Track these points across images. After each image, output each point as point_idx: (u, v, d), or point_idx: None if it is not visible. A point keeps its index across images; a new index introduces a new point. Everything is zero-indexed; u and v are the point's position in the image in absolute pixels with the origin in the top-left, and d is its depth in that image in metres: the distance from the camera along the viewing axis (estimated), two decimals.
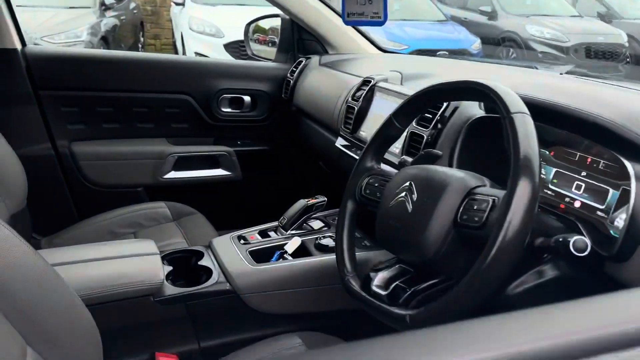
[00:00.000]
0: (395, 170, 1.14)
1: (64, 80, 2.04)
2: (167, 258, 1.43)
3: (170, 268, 1.37)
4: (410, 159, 1.24)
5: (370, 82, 1.66)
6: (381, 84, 1.63)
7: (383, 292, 0.97)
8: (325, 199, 1.56)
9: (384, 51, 2.33)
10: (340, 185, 2.01)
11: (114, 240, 1.86)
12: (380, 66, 1.93)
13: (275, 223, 1.58)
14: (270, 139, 2.39)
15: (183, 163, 2.22)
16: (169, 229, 1.93)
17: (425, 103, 1.13)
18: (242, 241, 1.49)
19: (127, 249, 1.37)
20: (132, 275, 1.25)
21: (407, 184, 1.00)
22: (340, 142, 1.73)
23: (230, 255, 1.41)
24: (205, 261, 1.42)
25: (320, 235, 1.49)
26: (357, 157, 1.61)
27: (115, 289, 1.21)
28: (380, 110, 1.60)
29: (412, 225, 0.95)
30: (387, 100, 1.57)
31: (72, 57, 2.07)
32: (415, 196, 0.97)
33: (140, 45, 7.94)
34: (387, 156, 1.39)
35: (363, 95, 1.65)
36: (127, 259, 1.31)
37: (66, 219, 2.00)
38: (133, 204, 1.99)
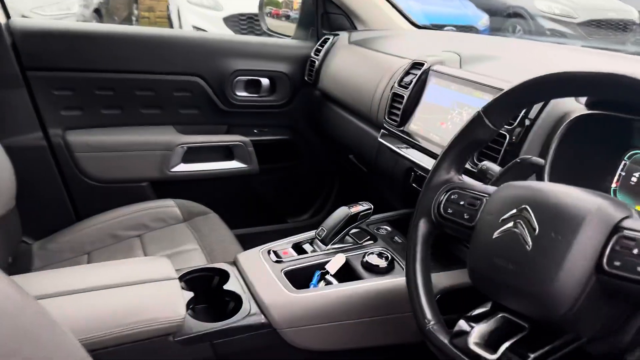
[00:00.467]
0: (487, 186, 0.89)
1: (56, 58, 1.75)
2: (184, 279, 1.19)
3: (191, 294, 1.12)
4: (496, 167, 0.99)
5: (421, 65, 1.40)
6: (436, 67, 1.36)
7: (491, 357, 0.72)
8: (371, 206, 1.30)
9: (419, 27, 2.06)
10: (379, 185, 1.78)
11: (116, 244, 1.62)
12: (425, 45, 1.66)
13: (311, 234, 1.33)
14: (291, 128, 2.13)
15: (193, 154, 1.96)
16: (179, 231, 1.69)
17: (533, 97, 0.87)
18: (273, 257, 1.24)
19: (137, 272, 1.11)
20: (146, 311, 1.00)
21: (519, 209, 0.75)
22: (382, 136, 1.46)
23: (263, 278, 1.16)
24: (232, 284, 1.17)
25: (368, 251, 1.24)
26: (404, 155, 1.35)
27: (126, 330, 0.96)
28: (435, 99, 1.34)
29: (533, 269, 0.70)
30: (446, 87, 1.31)
31: (65, 32, 1.78)
32: (536, 228, 0.72)
33: (134, 19, 7.56)
34: None
35: (414, 80, 1.38)
36: (138, 287, 1.06)
37: (61, 220, 1.75)
38: (137, 202, 1.74)
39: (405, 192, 1.48)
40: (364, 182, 1.95)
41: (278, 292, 1.11)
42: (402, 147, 1.40)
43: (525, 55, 1.43)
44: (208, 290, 1.21)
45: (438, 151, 1.24)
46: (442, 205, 0.91)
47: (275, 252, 1.26)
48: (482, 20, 7.10)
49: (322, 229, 1.29)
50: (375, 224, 1.39)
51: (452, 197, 0.90)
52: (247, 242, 1.63)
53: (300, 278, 1.19)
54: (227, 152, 2.02)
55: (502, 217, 0.77)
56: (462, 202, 0.88)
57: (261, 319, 1.08)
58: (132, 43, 1.85)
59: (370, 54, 1.74)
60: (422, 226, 0.93)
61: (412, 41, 1.77)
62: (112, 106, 1.87)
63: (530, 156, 0.91)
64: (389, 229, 1.37)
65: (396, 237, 1.34)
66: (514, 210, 0.76)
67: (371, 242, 1.30)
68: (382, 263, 1.19)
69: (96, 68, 1.80)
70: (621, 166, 1.00)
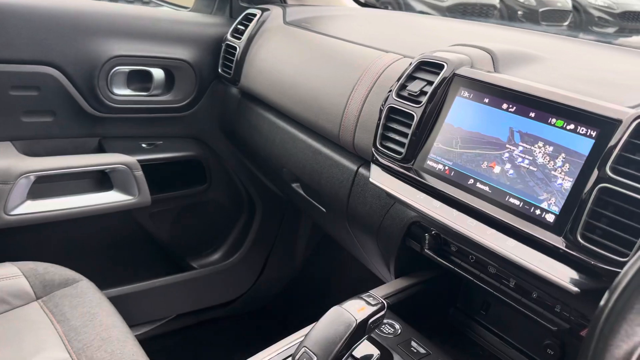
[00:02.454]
0: None
1: None
2: None
3: None
4: None
5: (439, 67, 0.89)
6: (466, 72, 0.87)
7: None
8: (384, 303, 0.79)
9: (364, 5, 1.57)
10: (347, 235, 1.19)
11: None
12: (411, 32, 1.16)
13: (280, 354, 0.78)
14: (196, 140, 1.52)
15: (47, 187, 1.27)
16: (30, 320, 1.07)
17: None
18: None
19: None
20: None
21: None
22: (375, 174, 0.94)
23: None
24: None
25: None
26: (417, 208, 0.85)
27: None
28: (471, 123, 0.84)
29: None
30: (485, 103, 0.82)
31: None
32: None
33: None
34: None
35: (430, 91, 0.87)
36: None
37: None
38: None
39: (404, 254, 0.99)
40: (317, 219, 1.41)
41: None
42: (406, 192, 0.89)
43: (568, 54, 1.01)
44: None
45: (492, 212, 0.75)
46: None
47: None
48: None
49: (305, 351, 0.74)
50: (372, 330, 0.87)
51: None
52: (135, 306, 1.19)
53: None
54: (101, 180, 1.36)
55: None
56: None
57: None
58: None
59: (327, 42, 1.19)
60: None
61: (384, 25, 1.26)
62: None
63: None
64: (396, 326, 0.87)
65: (413, 343, 0.84)
66: None
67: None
68: None
69: None
70: None
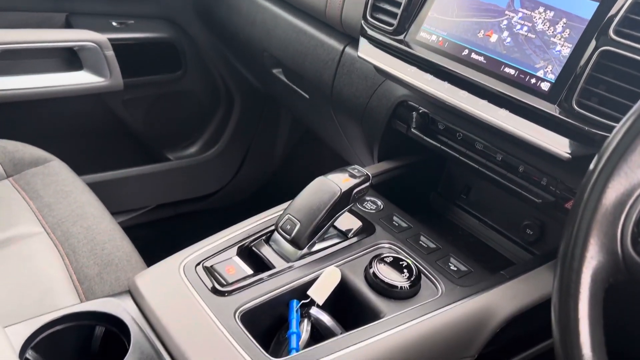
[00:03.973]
0: None
1: None
2: (32, 347, 0.58)
3: None
4: None
5: None
6: None
7: None
8: (368, 174, 0.77)
9: None
10: (330, 119, 1.18)
11: None
12: None
13: (263, 221, 0.77)
14: (170, 21, 1.42)
15: (11, 63, 1.19)
16: (1, 196, 1.01)
17: None
18: (208, 279, 0.67)
19: None
20: None
21: None
22: (364, 49, 0.89)
23: (201, 335, 0.59)
24: (137, 353, 0.58)
25: (371, 255, 0.73)
26: (408, 81, 0.82)
27: None
28: None
29: None
30: None
31: None
32: None
33: None
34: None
35: None
36: None
37: None
38: None
39: (387, 138, 0.97)
40: (298, 109, 1.37)
41: None
42: (396, 66, 0.85)
43: None
44: (86, 359, 0.61)
45: (486, 82, 0.73)
46: None
47: (212, 271, 0.68)
48: None
49: (289, 217, 0.73)
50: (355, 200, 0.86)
51: None
52: (110, 194, 1.16)
53: (264, 321, 0.65)
54: (70, 59, 1.28)
55: None
56: None
57: None
58: None
59: None
60: (589, 275, 0.44)
61: None
62: None
63: None
64: (378, 203, 0.87)
65: (395, 217, 0.84)
66: None
67: (365, 234, 0.79)
68: (403, 278, 0.70)
69: None
70: None
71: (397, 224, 0.83)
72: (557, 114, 0.66)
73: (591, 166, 0.45)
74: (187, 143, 1.61)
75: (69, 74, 1.27)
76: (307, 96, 1.16)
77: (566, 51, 0.68)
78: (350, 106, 1.03)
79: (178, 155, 1.60)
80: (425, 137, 0.89)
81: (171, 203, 1.61)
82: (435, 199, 1.00)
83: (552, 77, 0.68)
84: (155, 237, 1.60)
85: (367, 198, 0.87)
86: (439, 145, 0.87)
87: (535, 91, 0.69)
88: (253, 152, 1.70)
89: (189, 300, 0.63)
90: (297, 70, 1.13)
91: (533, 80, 0.70)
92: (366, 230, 0.79)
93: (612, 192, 0.43)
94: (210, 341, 0.59)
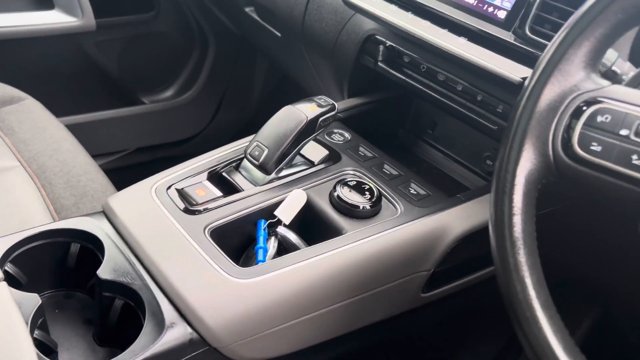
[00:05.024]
0: None
1: None
2: (10, 261, 0.61)
3: (35, 299, 0.56)
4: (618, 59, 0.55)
5: None
6: None
7: None
8: (334, 104, 0.80)
9: None
10: (302, 58, 1.17)
11: None
12: None
13: (234, 150, 0.80)
14: None
15: None
16: None
17: None
18: (180, 200, 0.70)
19: None
20: None
21: None
22: None
23: (174, 249, 0.63)
24: (112, 266, 0.62)
25: (336, 180, 0.77)
26: (372, 12, 0.84)
27: None
28: None
29: None
30: None
31: None
32: None
33: None
34: None
35: None
36: None
37: None
38: None
39: (356, 74, 0.99)
40: (271, 49, 1.38)
41: (210, 279, 0.61)
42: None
43: None
44: (62, 274, 0.65)
45: (447, 11, 0.75)
46: (575, 135, 0.46)
47: (183, 192, 0.71)
48: None
49: (257, 144, 0.76)
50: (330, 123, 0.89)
51: (599, 119, 0.46)
52: (87, 135, 1.18)
53: (234, 239, 0.69)
54: None
55: None
56: (623, 132, 0.45)
57: (186, 333, 0.58)
58: None
59: None
60: (523, 175, 0.48)
61: None
62: None
63: None
64: (346, 135, 0.90)
65: (362, 148, 0.88)
66: None
67: (331, 162, 0.82)
68: (364, 200, 0.74)
69: None
70: None
71: (362, 154, 0.86)
72: (512, 41, 0.69)
73: (528, 76, 0.49)
74: (163, 87, 1.61)
75: (40, 12, 1.26)
76: (278, 34, 1.17)
77: None
78: (321, 42, 1.05)
79: (153, 99, 1.60)
80: (391, 70, 0.91)
81: (148, 147, 1.62)
82: (403, 134, 1.04)
83: (508, 5, 0.71)
84: (134, 181, 1.62)
85: (335, 130, 0.91)
86: (404, 77, 0.90)
87: (492, 19, 0.72)
88: (229, 96, 1.71)
89: (160, 218, 0.67)
90: (269, 7, 1.14)
91: (490, 9, 0.72)
92: (332, 158, 0.83)
93: (545, 100, 0.47)
94: (180, 253, 0.62)
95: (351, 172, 0.81)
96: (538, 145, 0.47)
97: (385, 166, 0.84)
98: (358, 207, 0.73)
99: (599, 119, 0.45)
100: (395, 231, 0.71)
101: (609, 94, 0.46)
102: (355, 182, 0.76)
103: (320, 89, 1.23)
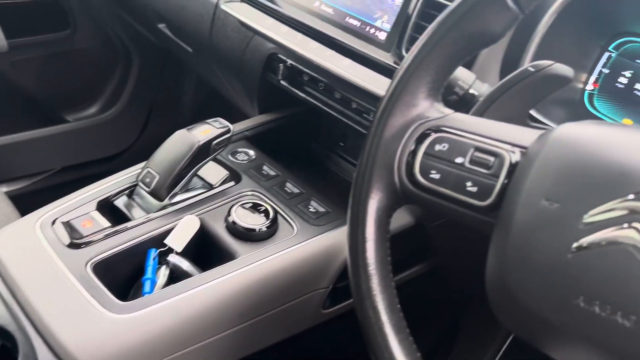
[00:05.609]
0: (510, 129, 0.47)
1: None
2: None
3: None
4: (480, 85, 0.57)
5: None
6: None
7: None
8: (230, 126, 0.80)
9: None
10: (213, 73, 1.18)
11: None
12: None
13: (128, 176, 0.79)
14: None
15: None
16: None
17: None
18: (65, 234, 0.69)
19: None
20: None
21: (631, 197, 0.37)
22: (229, 3, 0.90)
23: (52, 287, 0.62)
24: None
25: (232, 204, 0.77)
26: (265, 34, 0.85)
27: None
28: None
29: None
30: None
31: None
32: None
33: None
34: None
35: None
36: None
37: None
38: None
39: (263, 90, 1.00)
40: (190, 64, 1.36)
41: (87, 317, 0.60)
42: (259, 20, 0.87)
43: None
44: None
45: (333, 33, 0.76)
46: (417, 164, 0.48)
47: (68, 225, 0.70)
48: None
49: (148, 171, 0.76)
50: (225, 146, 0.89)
51: (437, 147, 0.47)
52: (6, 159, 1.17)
53: (123, 271, 0.69)
54: None
55: (592, 213, 0.38)
56: (458, 160, 0.46)
57: None
58: None
59: None
60: (374, 204, 0.49)
61: None
62: None
63: (548, 62, 0.51)
64: (250, 154, 0.90)
65: (265, 167, 0.88)
66: (617, 201, 0.37)
67: (232, 182, 0.82)
68: (261, 221, 0.74)
69: None
70: (603, 60, 0.70)
71: (265, 173, 0.87)
72: (391, 63, 0.71)
73: (378, 106, 0.50)
74: (86, 103, 1.58)
75: None
76: (190, 50, 1.16)
77: (399, 0, 0.72)
78: (229, 58, 1.05)
79: (77, 117, 1.57)
80: (292, 88, 0.92)
81: (76, 165, 1.58)
82: (316, 148, 1.05)
83: (387, 26, 0.72)
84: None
85: (240, 150, 0.91)
86: (304, 95, 0.91)
87: (374, 41, 0.73)
88: (158, 110, 1.68)
89: (42, 255, 0.65)
90: (178, 24, 1.13)
91: (372, 30, 0.74)
92: (232, 179, 0.83)
93: (390, 130, 0.49)
94: (58, 291, 0.61)
95: (249, 193, 0.81)
96: (385, 175, 0.49)
97: (287, 184, 0.85)
98: (254, 230, 0.73)
99: (437, 147, 0.47)
100: (289, 252, 0.72)
101: (448, 122, 0.48)
102: (251, 204, 0.76)
103: (237, 103, 1.23)
